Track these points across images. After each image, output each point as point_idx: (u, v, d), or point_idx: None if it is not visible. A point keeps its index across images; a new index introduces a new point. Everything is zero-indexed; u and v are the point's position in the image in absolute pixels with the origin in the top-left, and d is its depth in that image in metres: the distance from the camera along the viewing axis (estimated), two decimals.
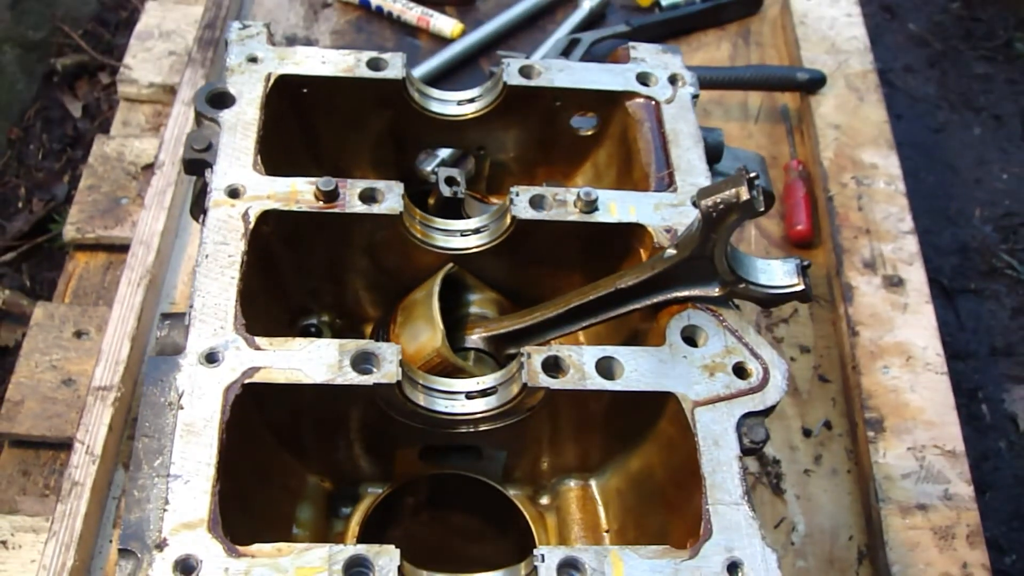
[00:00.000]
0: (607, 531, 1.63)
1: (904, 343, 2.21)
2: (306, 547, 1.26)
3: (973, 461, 2.09)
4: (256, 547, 1.25)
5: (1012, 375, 3.14)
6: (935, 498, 2.01)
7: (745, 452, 1.41)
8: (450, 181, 1.84)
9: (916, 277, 2.32)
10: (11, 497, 2.05)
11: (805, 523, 2.05)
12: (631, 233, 1.64)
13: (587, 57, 2.66)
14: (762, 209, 1.36)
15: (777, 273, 1.50)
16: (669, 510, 1.48)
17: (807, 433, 2.16)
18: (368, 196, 1.59)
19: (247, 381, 1.39)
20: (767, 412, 1.44)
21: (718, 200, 1.35)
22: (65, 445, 2.06)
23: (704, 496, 1.35)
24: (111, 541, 1.94)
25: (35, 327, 2.26)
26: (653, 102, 1.79)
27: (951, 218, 3.42)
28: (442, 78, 2.66)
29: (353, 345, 1.42)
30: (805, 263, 1.50)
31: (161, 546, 1.24)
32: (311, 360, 1.41)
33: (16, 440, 2.12)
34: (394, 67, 1.77)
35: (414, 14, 2.79)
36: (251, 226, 1.54)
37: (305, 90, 1.77)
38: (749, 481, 1.53)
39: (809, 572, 1.98)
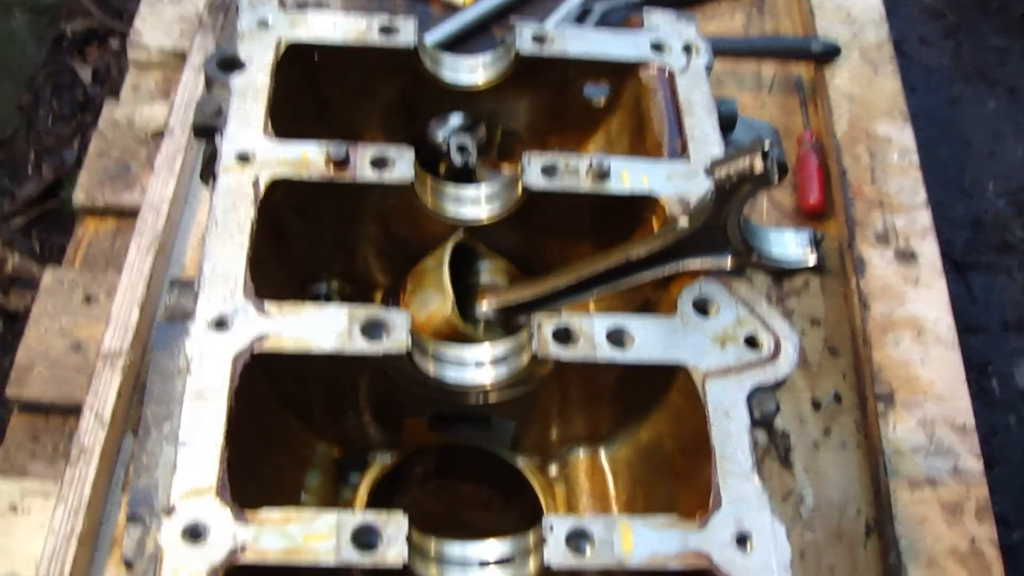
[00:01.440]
0: (616, 501, 1.62)
1: (915, 317, 2.20)
2: (315, 513, 1.26)
3: (982, 436, 2.08)
4: (264, 513, 1.25)
5: (1023, 350, 3.13)
6: (944, 473, 2.01)
7: (755, 424, 1.40)
8: (461, 149, 1.83)
9: (929, 250, 2.31)
10: (21, 462, 2.05)
11: (813, 496, 2.04)
12: (643, 204, 1.62)
13: (601, 24, 2.63)
14: (776, 181, 1.34)
15: (790, 245, 1.49)
16: (678, 481, 1.48)
17: (816, 406, 2.16)
18: (379, 161, 1.58)
19: (257, 349, 1.39)
20: (778, 384, 1.43)
21: (731, 171, 1.34)
22: (74, 410, 2.06)
23: (714, 468, 1.34)
24: (120, 506, 1.94)
25: (44, 292, 2.26)
26: (667, 72, 1.77)
27: (964, 191, 3.40)
28: (454, 45, 2.64)
29: (363, 312, 1.42)
30: (818, 235, 1.49)
31: (169, 512, 1.24)
32: (320, 327, 1.41)
33: (26, 405, 2.12)
34: (406, 33, 1.75)
35: None
36: (261, 194, 1.53)
37: (316, 56, 1.75)
38: (758, 453, 1.52)
39: (816, 545, 1.98)
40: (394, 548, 1.24)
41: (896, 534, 1.92)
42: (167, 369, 1.38)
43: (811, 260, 1.48)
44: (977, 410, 2.14)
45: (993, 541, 1.94)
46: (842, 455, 2.10)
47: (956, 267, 3.22)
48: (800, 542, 1.98)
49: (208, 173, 1.61)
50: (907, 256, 2.28)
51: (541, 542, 1.27)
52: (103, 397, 1.99)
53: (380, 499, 1.62)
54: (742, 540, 1.29)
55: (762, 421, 1.41)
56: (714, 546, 1.29)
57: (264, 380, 1.43)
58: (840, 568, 1.95)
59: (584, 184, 1.60)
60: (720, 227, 1.44)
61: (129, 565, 1.23)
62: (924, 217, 2.36)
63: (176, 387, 1.36)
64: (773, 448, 2.08)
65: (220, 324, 1.41)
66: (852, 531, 2.01)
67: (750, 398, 1.41)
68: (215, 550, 1.22)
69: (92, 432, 1.95)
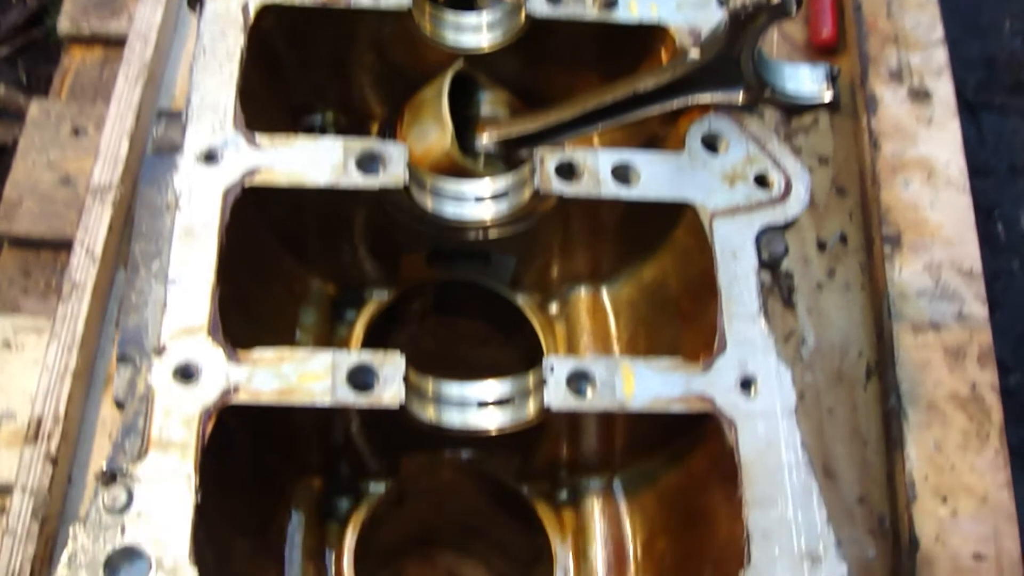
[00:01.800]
0: (617, 341, 1.60)
1: (927, 158, 2.14)
2: (309, 353, 1.23)
3: (985, 280, 2.06)
4: (258, 352, 1.23)
5: None
6: (948, 317, 1.98)
7: (763, 266, 1.37)
8: None
9: (943, 90, 2.23)
10: (13, 297, 2.03)
11: (815, 337, 2.02)
12: (652, 33, 1.56)
13: None
14: (793, 12, 1.28)
15: (805, 80, 1.43)
16: (682, 322, 1.45)
17: (822, 246, 2.12)
18: None
19: (248, 183, 1.34)
20: (788, 225, 1.39)
21: (747, 1, 1.27)
22: (65, 245, 2.03)
23: (719, 309, 1.32)
24: (114, 343, 1.92)
25: (31, 125, 2.20)
26: None
27: (980, 29, 3.30)
28: None
29: (358, 144, 1.37)
30: (835, 70, 1.43)
31: (160, 351, 1.22)
32: (314, 160, 1.36)
33: (16, 240, 2.09)
34: None
35: None
36: (251, 20, 1.47)
37: None
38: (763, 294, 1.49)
39: (817, 387, 1.97)
40: (391, 388, 1.22)
41: (897, 378, 1.91)
42: (155, 204, 1.33)
43: (827, 96, 1.42)
44: (981, 254, 2.11)
45: (994, 386, 1.93)
46: (846, 297, 2.07)
47: (968, 107, 3.14)
48: (800, 383, 1.96)
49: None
50: (921, 95, 2.21)
51: (541, 383, 1.25)
52: (94, 232, 1.95)
53: (377, 336, 1.59)
54: (746, 384, 1.27)
55: (770, 262, 1.38)
56: (718, 389, 1.27)
57: (256, 215, 1.39)
58: (839, 410, 1.95)
59: (591, 12, 1.53)
60: (733, 60, 1.38)
61: (120, 406, 1.21)
62: (940, 55, 2.28)
63: (165, 223, 1.32)
64: (776, 288, 2.05)
65: (209, 157, 1.36)
66: (852, 373, 2.00)
67: (758, 238, 1.38)
68: (207, 390, 1.20)
69: (83, 268, 1.92)
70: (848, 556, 1.27)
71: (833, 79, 1.43)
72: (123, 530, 1.15)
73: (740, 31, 1.34)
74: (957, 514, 1.78)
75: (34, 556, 1.64)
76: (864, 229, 2.14)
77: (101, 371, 1.88)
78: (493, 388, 1.31)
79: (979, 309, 2.00)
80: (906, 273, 2.01)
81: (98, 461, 1.77)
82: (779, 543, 1.22)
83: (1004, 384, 2.62)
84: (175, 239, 1.30)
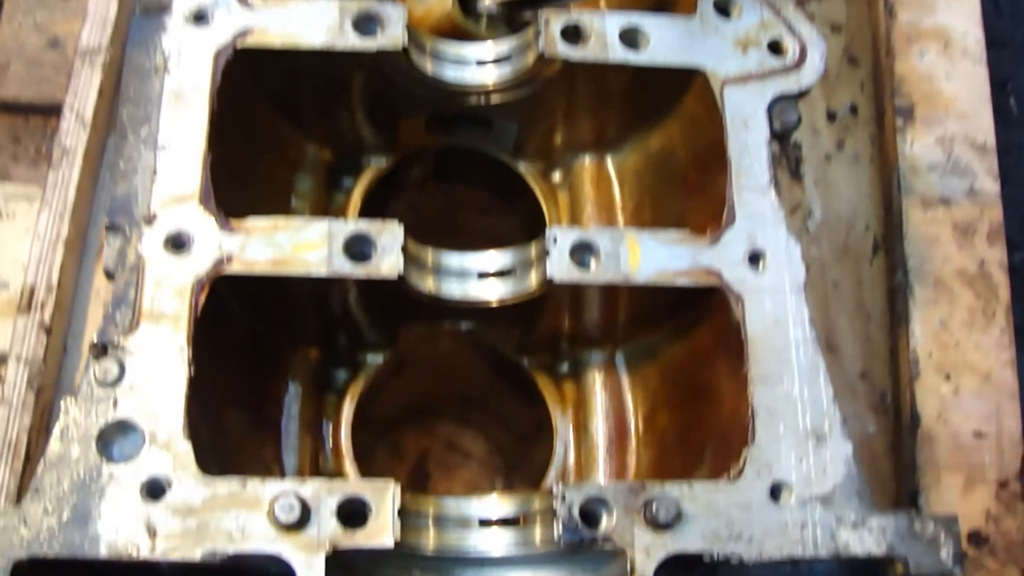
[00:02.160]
0: (622, 212, 1.56)
1: (943, 27, 2.08)
2: (304, 221, 1.20)
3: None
4: (251, 221, 1.19)
5: None
6: (959, 192, 1.94)
7: (774, 136, 1.32)
8: None
9: None
10: (2, 164, 1.99)
11: (821, 210, 1.99)
12: None
13: None
14: None
15: None
16: (689, 193, 1.42)
17: (831, 117, 2.07)
18: None
19: (240, 45, 1.29)
20: (802, 94, 1.35)
21: None
22: (55, 110, 1.98)
23: (729, 180, 1.28)
24: (106, 211, 1.88)
25: None
26: None
27: None
28: None
29: (355, 4, 1.31)
30: None
31: (150, 220, 1.18)
32: (309, 20, 1.31)
33: (3, 105, 2.04)
34: None
35: None
36: None
37: None
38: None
39: (823, 260, 1.94)
40: (388, 258, 1.19)
41: (904, 253, 1.88)
42: (143, 67, 1.29)
43: None
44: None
45: (1002, 264, 1.91)
46: (854, 169, 2.03)
47: None
48: (805, 256, 1.93)
49: None
50: None
51: (544, 254, 1.22)
52: (83, 96, 1.90)
53: (375, 204, 1.56)
54: (755, 258, 1.25)
55: (781, 133, 1.34)
56: (725, 263, 1.24)
57: (249, 78, 1.34)
58: (844, 284, 1.92)
59: None
60: None
61: (110, 276, 1.18)
62: None
63: (154, 87, 1.28)
64: (784, 159, 2.00)
65: (199, 17, 1.31)
66: (859, 247, 1.97)
67: (771, 108, 1.34)
68: (200, 260, 1.17)
69: (73, 133, 1.87)
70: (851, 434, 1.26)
71: None
72: (115, 403, 1.14)
73: None
74: (959, 392, 1.77)
75: (30, 426, 1.63)
76: (876, 100, 2.08)
77: (94, 239, 1.85)
78: (494, 259, 1.28)
79: (991, 185, 1.97)
80: (917, 146, 1.97)
81: (92, 331, 1.75)
82: (784, 420, 1.21)
83: (1011, 261, 2.60)
84: (164, 103, 1.26)
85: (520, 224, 1.60)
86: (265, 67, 1.34)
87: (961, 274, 1.88)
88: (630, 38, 1.34)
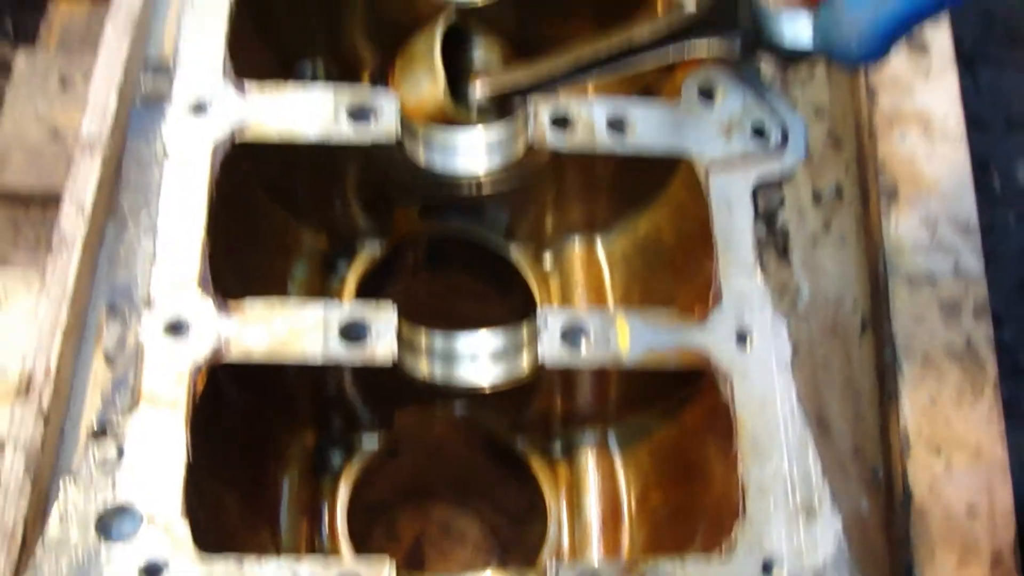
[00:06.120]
0: (612, 295, 1.59)
1: (923, 110, 2.13)
2: (300, 305, 1.22)
3: (980, 233, 2.05)
4: (248, 304, 1.21)
5: None
6: (944, 270, 1.97)
7: (759, 217, 1.35)
8: None
9: (941, 42, 2.21)
10: (3, 252, 2.02)
11: (810, 290, 2.01)
12: None
13: None
14: None
15: (802, 27, 1.41)
16: (677, 275, 1.44)
17: (817, 198, 2.10)
18: None
19: (237, 139, 1.32)
20: (785, 176, 1.38)
21: None
22: (54, 199, 2.01)
23: (715, 262, 1.30)
24: (105, 298, 1.91)
25: (19, 76, 2.17)
26: None
27: None
28: None
29: (350, 94, 1.35)
30: None
31: (150, 305, 1.20)
32: (305, 111, 1.34)
33: (4, 194, 2.07)
34: None
35: None
36: None
37: None
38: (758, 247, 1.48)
39: (811, 339, 1.96)
40: (383, 342, 1.20)
41: (892, 331, 1.91)
42: (143, 157, 1.32)
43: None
44: (977, 207, 2.10)
45: (989, 339, 1.93)
46: (841, 249, 2.06)
47: (964, 60, 3.11)
48: (795, 335, 1.95)
49: None
50: (918, 46, 2.18)
51: (535, 336, 1.24)
52: (82, 185, 1.93)
53: (369, 291, 1.58)
54: (742, 337, 1.27)
55: (766, 215, 1.37)
56: (713, 342, 1.26)
57: (246, 169, 1.37)
58: (834, 362, 1.94)
59: None
60: (729, 7, 1.36)
61: (110, 361, 1.20)
62: None
63: (153, 176, 1.30)
64: (772, 241, 2.04)
65: (198, 108, 1.34)
66: (847, 326, 1.99)
67: (755, 191, 1.36)
68: (198, 345, 1.19)
69: (72, 222, 1.90)
70: (842, 509, 1.27)
71: None
72: (114, 486, 1.15)
73: None
74: (951, 467, 1.78)
75: (27, 512, 1.63)
76: (860, 182, 2.12)
77: (91, 326, 1.87)
78: (487, 341, 1.30)
79: (975, 263, 1.99)
80: (902, 226, 2.00)
81: (89, 416, 1.76)
82: (774, 497, 1.22)
83: (999, 338, 2.62)
84: (164, 192, 1.29)
85: (513, 309, 1.62)
86: (262, 159, 1.37)
87: (949, 351, 1.90)
88: (617, 125, 1.38)
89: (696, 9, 1.38)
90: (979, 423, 1.83)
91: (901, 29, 1.15)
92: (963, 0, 1.11)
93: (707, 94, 1.42)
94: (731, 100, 1.41)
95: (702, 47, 1.42)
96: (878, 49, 1.18)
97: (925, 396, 1.84)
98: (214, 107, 1.33)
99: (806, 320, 1.98)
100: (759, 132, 1.39)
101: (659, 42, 1.43)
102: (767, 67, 2.11)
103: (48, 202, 2.04)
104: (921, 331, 1.91)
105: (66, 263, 1.84)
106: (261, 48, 1.58)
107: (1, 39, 2.71)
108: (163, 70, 1.39)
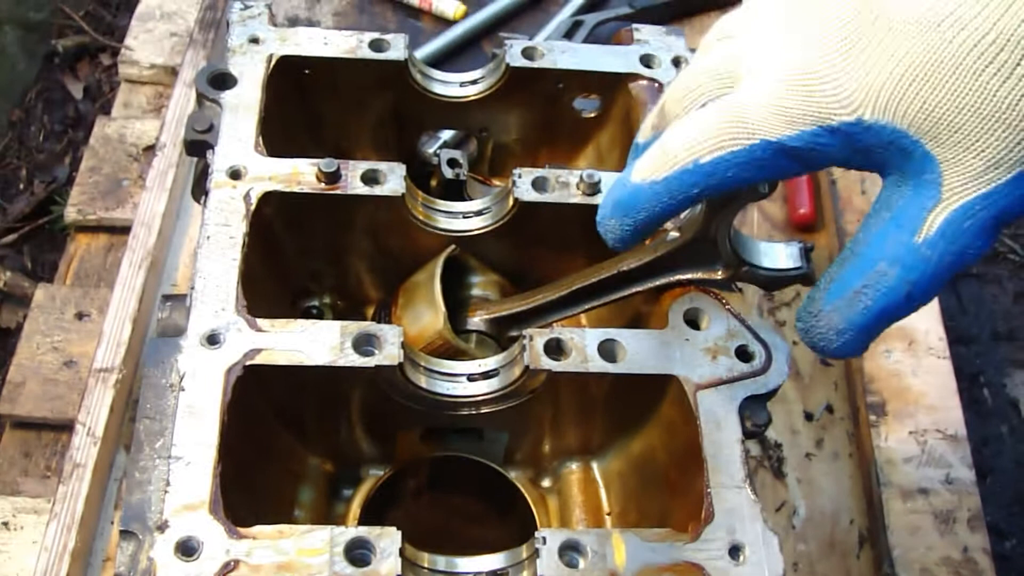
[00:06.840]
0: (609, 514, 1.62)
1: (906, 327, 2.21)
2: (307, 529, 1.26)
3: (974, 445, 2.10)
4: (257, 529, 1.25)
5: (1014, 360, 3.14)
6: (936, 482, 2.01)
7: (747, 435, 1.40)
8: (452, 163, 1.83)
9: None
10: (13, 479, 2.05)
11: (806, 507, 2.05)
12: None
13: (590, 39, 2.65)
14: (766, 192, 1.36)
15: (780, 256, 1.50)
16: (671, 493, 1.48)
17: (809, 417, 2.16)
18: (370, 177, 1.58)
19: (248, 363, 1.39)
20: (769, 395, 1.43)
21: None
22: (66, 427, 2.07)
23: (706, 479, 1.35)
24: (112, 523, 1.94)
25: (36, 309, 2.26)
26: (656, 84, 1.78)
27: None
28: (444, 60, 2.65)
29: (355, 327, 1.42)
30: (808, 246, 1.49)
31: (162, 527, 1.24)
32: (313, 342, 1.41)
33: (18, 422, 2.13)
34: (396, 48, 1.76)
35: None
36: (252, 208, 1.53)
37: (307, 71, 1.76)
38: (751, 464, 1.53)
39: (810, 555, 1.99)
40: (387, 563, 1.24)
41: (889, 544, 1.93)
42: (159, 385, 1.37)
43: (802, 270, 1.48)
44: (969, 420, 2.15)
45: (986, 550, 1.95)
46: (834, 466, 2.10)
47: None
48: (793, 553, 1.98)
49: (200, 190, 1.61)
50: None
51: (534, 556, 1.27)
52: (95, 413, 1.99)
53: (373, 513, 1.61)
54: (735, 551, 1.29)
55: (754, 432, 1.42)
56: (706, 558, 1.29)
57: (257, 394, 1.43)
58: None
59: (575, 197, 1.61)
60: (711, 239, 1.45)
61: None
62: None
63: (168, 402, 1.36)
64: (766, 459, 2.08)
65: (212, 340, 1.41)
66: (845, 541, 2.01)
67: (742, 409, 1.41)
68: (208, 567, 1.22)
69: (84, 448, 1.95)
70: None
71: (807, 253, 1.49)
72: None
73: (717, 212, 1.40)
74: None
75: None
76: (849, 399, 2.19)
77: (100, 551, 1.90)
78: (487, 562, 1.33)
79: (966, 473, 2.04)
80: (892, 440, 2.06)
81: None
82: None
83: (1000, 549, 2.63)
84: (178, 418, 1.33)
85: (513, 529, 1.65)
86: (272, 382, 1.43)
87: (946, 561, 1.93)
88: (608, 351, 1.44)
89: (679, 239, 1.46)
90: None
91: (880, 325, 1.14)
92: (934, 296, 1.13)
93: (692, 321, 1.49)
94: (716, 326, 1.48)
95: (686, 273, 1.51)
96: (858, 345, 1.17)
97: None
98: (227, 339, 1.40)
99: (804, 537, 2.01)
100: (743, 355, 1.46)
101: (646, 269, 1.52)
102: (753, 291, 2.21)
103: (60, 429, 2.10)
104: (917, 543, 1.94)
105: (77, 488, 1.89)
106: (271, 285, 1.66)
107: (21, 274, 2.82)
108: (179, 304, 1.46)
